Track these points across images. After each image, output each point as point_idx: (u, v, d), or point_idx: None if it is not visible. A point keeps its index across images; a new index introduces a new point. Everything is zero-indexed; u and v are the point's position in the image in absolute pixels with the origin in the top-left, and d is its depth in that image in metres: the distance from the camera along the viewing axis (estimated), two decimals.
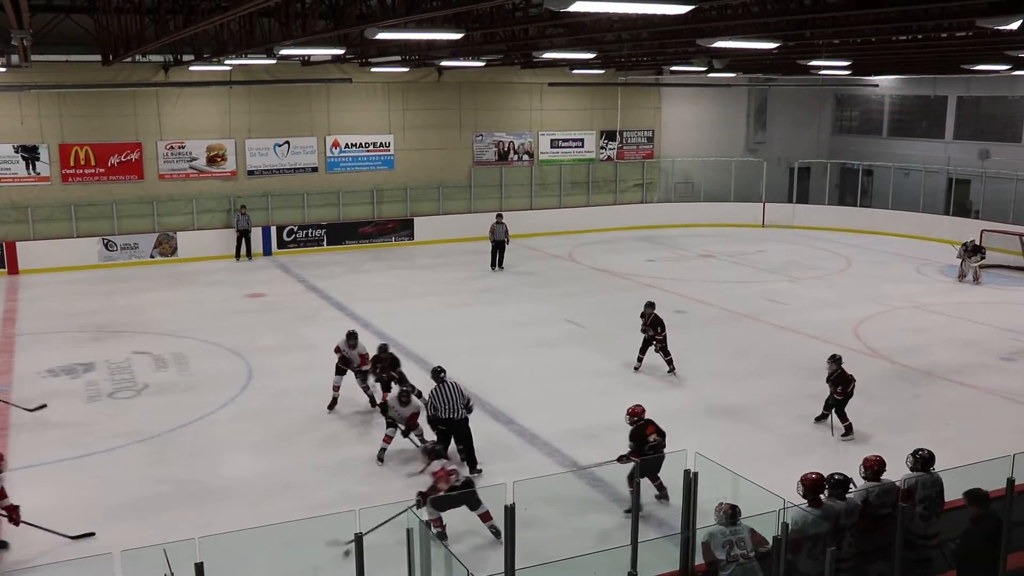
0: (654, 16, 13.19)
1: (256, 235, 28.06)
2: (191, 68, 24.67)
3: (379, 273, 25.78)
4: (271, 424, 14.03)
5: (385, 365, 14.24)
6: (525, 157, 32.84)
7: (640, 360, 16.36)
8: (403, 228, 30.16)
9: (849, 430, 13.31)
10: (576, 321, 19.78)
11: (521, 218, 30.82)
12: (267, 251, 28.31)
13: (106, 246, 26.76)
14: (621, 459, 10.72)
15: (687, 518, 8.37)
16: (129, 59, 22.15)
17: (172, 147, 27.81)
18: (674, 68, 28.21)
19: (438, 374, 12.53)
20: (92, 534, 10.38)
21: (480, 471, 12.07)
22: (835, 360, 13.64)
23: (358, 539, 7.06)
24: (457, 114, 31.41)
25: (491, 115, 32.15)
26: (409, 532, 7.83)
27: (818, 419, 13.89)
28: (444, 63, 26.00)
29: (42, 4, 20.82)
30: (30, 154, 26.49)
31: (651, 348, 16.23)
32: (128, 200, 27.30)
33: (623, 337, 17.26)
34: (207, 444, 13.33)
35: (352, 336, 14.74)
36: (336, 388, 14.62)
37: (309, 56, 24.47)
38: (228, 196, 28.33)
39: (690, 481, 8.35)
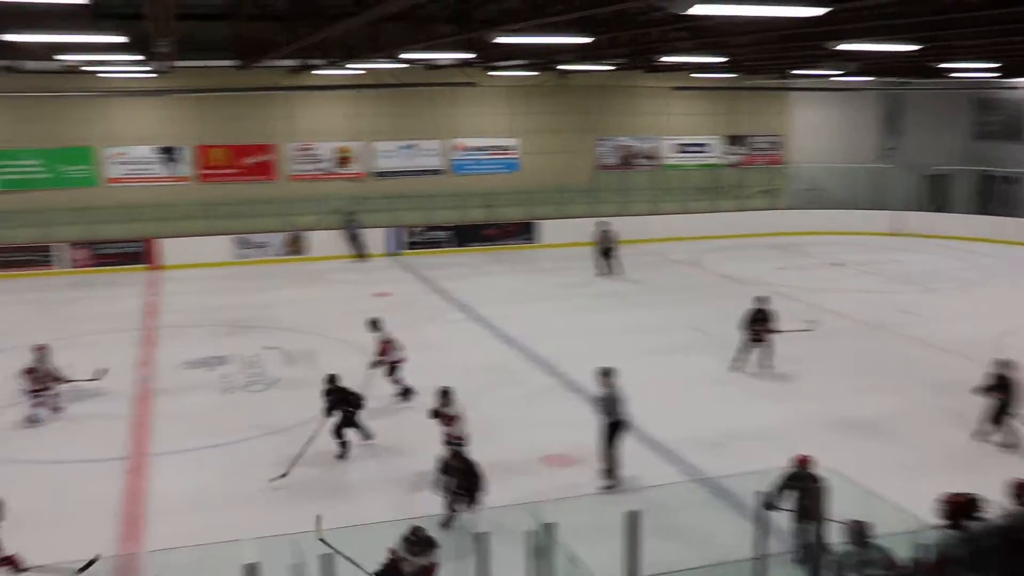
0: (783, 18, 12.91)
1: (382, 236, 28.62)
2: (321, 72, 25.33)
3: (501, 275, 25.97)
4: (394, 423, 14.25)
5: (337, 398, 12.91)
6: (649, 161, 32.59)
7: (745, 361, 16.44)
8: (525, 231, 30.31)
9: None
10: (700, 328, 19.51)
11: (644, 223, 30.64)
12: (393, 252, 28.83)
13: (239, 244, 27.73)
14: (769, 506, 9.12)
15: (816, 534, 8.15)
16: (263, 64, 22.90)
17: (303, 149, 28.63)
18: (802, 72, 27.56)
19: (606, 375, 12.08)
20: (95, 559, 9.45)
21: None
22: (1004, 365, 12.82)
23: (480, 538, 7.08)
24: (580, 118, 31.41)
25: (614, 119, 32.05)
26: (530, 535, 7.88)
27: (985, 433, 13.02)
28: (567, 67, 26.02)
29: (185, 13, 21.65)
30: (171, 155, 27.71)
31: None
32: (260, 200, 28.23)
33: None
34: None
35: (375, 322, 15.41)
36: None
37: (433, 60, 24.81)
38: (355, 197, 28.98)
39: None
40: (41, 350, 14.74)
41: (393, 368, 15.19)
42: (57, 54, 18.93)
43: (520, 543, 8.07)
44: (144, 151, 27.57)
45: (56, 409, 14.66)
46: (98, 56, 19.55)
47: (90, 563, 9.37)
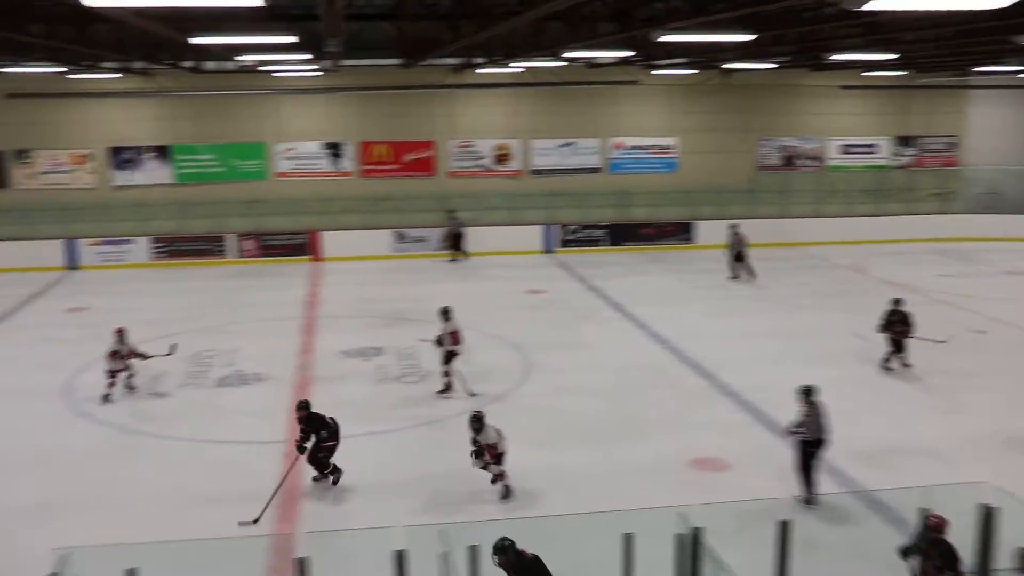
0: (965, 12, 12.26)
1: (538, 233, 28.78)
2: (482, 71, 25.67)
3: (658, 275, 25.67)
4: (547, 419, 14.30)
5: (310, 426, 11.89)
6: (813, 162, 31.61)
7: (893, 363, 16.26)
8: (683, 231, 29.88)
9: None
10: (861, 334, 18.77)
11: (806, 226, 29.75)
12: (548, 249, 28.96)
13: (398, 238, 28.42)
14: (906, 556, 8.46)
15: (984, 559, 7.70)
16: (426, 63, 23.39)
17: (462, 146, 29.11)
18: (983, 68, 26.14)
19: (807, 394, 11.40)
20: None
21: None
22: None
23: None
24: (741, 117, 30.72)
25: (777, 119, 31.22)
26: (679, 538, 7.75)
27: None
28: (730, 65, 25.51)
29: (354, 14, 22.35)
30: (335, 151, 28.69)
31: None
32: (420, 195, 28.86)
33: (912, 354, 16.24)
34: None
35: (446, 311, 15.64)
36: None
37: (594, 58, 24.76)
38: (513, 194, 29.25)
39: (987, 517, 7.68)
40: (120, 333, 15.62)
41: (449, 358, 15.41)
42: (236, 54, 19.86)
43: (668, 545, 7.96)
44: (311, 147, 28.63)
45: (131, 388, 15.64)
46: (272, 56, 20.42)
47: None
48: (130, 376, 15.65)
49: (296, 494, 11.57)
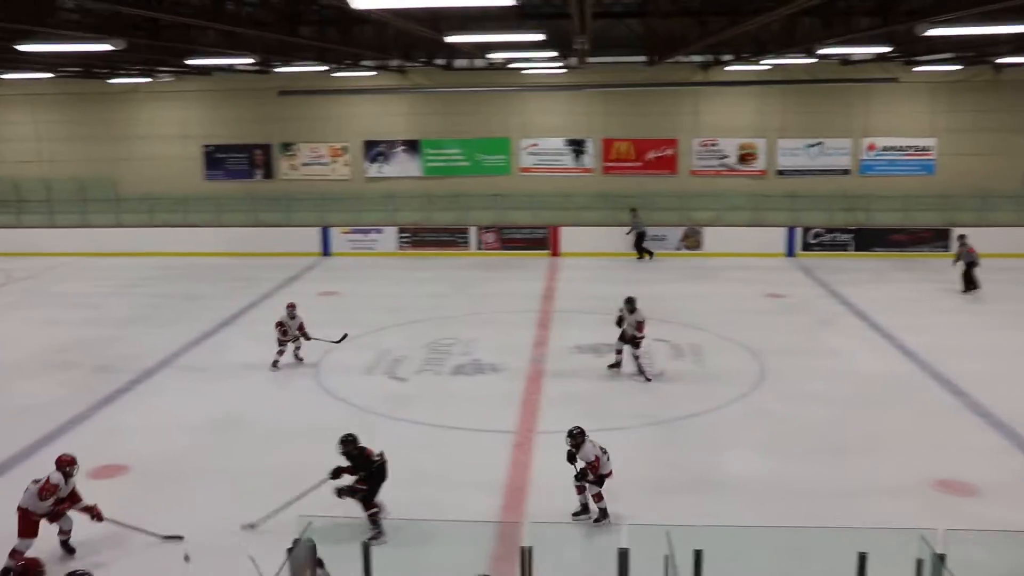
0: None
1: (780, 235, 27.88)
2: (729, 68, 25.17)
3: (908, 284, 24.17)
4: (780, 426, 13.83)
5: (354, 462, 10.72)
6: None
7: None
8: (938, 238, 27.98)
9: None
10: None
11: None
12: (790, 252, 28.00)
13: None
14: None
15: None
16: (672, 60, 23.17)
17: (705, 144, 28.63)
18: None
19: None
20: (181, 537, 10.22)
21: None
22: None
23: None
24: (1012, 116, 28.38)
25: None
26: (919, 563, 7.28)
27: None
28: (1002, 60, 23.65)
29: (602, 11, 22.47)
30: (578, 147, 28.95)
31: None
32: (660, 193, 28.62)
33: None
34: (715, 436, 13.50)
35: (631, 301, 16.22)
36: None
37: (850, 55, 23.68)
38: (756, 194, 28.49)
39: None
40: (291, 307, 17.16)
41: (635, 344, 16.13)
42: (486, 52, 20.46)
43: (904, 570, 7.49)
44: (554, 143, 29.03)
45: (300, 359, 17.10)
46: (520, 53, 20.87)
47: (175, 537, 10.18)
48: (298, 348, 17.12)
49: (525, 485, 11.75)
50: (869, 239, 28.05)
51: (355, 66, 23.91)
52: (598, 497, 10.71)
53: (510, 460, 12.52)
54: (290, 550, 7.47)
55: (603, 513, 10.68)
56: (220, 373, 16.71)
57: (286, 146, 30.08)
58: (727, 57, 23.78)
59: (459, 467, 12.37)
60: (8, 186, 31.19)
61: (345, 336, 17.53)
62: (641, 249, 27.74)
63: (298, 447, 12.99)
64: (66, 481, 10.06)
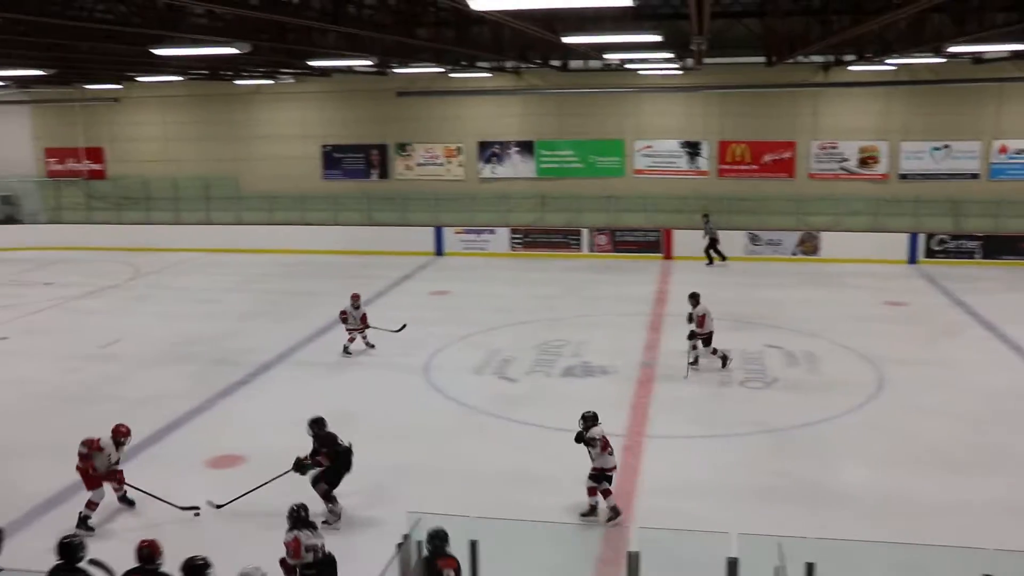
0: None
1: (902, 241, 26.97)
2: (851, 68, 24.50)
3: None
4: (897, 438, 13.37)
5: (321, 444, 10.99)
6: None
7: None
8: None
9: None
10: None
11: None
12: (912, 259, 27.07)
13: (751, 240, 27.82)
14: None
15: None
16: (791, 60, 22.66)
17: (824, 147, 27.91)
18: None
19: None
20: (196, 509, 11.02)
21: None
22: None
23: None
24: None
25: None
26: None
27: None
28: None
29: (720, 11, 22.15)
30: (693, 149, 28.59)
31: None
32: (776, 197, 28.05)
33: None
34: (829, 446, 13.14)
35: (695, 296, 16.62)
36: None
37: (982, 53, 22.77)
38: (877, 199, 27.65)
39: None
40: (355, 298, 17.99)
41: (708, 340, 16.53)
42: (602, 53, 20.38)
43: None
44: (669, 145, 28.72)
45: (370, 346, 18.17)
46: (636, 54, 20.73)
47: (191, 508, 10.86)
48: (365, 337, 18.14)
49: (633, 489, 11.66)
50: (998, 246, 26.89)
51: (471, 67, 24.14)
52: (606, 494, 10.77)
53: (619, 464, 12.41)
54: (399, 545, 7.57)
55: (614, 511, 10.71)
56: (333, 369, 17.08)
57: (402, 146, 30.55)
58: (849, 57, 23.15)
59: (567, 469, 12.31)
60: (138, 184, 32.54)
61: (404, 326, 18.25)
62: (712, 254, 27.25)
63: (407, 444, 13.17)
64: (116, 448, 10.98)
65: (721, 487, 11.73)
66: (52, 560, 7.53)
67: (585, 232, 28.85)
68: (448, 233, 29.63)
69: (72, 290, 24.69)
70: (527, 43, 22.12)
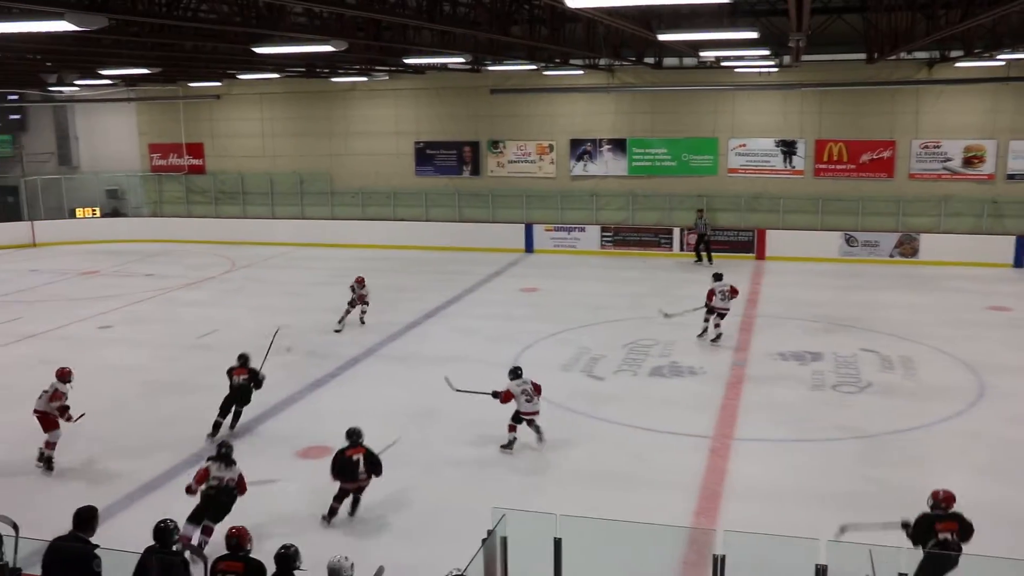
0: None
1: (1009, 244, 26.03)
2: (957, 64, 23.74)
3: None
4: (1000, 448, 12.91)
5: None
6: None
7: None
8: None
9: None
10: None
11: None
12: (1018, 263, 26.10)
13: (847, 241, 27.20)
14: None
15: None
16: (893, 57, 22.05)
17: (926, 146, 27.09)
18: None
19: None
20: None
21: None
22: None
23: None
24: None
25: None
26: None
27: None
28: None
29: (819, 6, 21.70)
30: (788, 148, 28.05)
31: None
32: (874, 198, 27.36)
33: None
34: (924, 455, 12.76)
35: (718, 276, 17.75)
36: None
37: None
38: (981, 200, 26.72)
39: None
40: (360, 281, 19.82)
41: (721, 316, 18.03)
42: (697, 50, 20.15)
43: None
44: (764, 143, 28.23)
45: (363, 323, 20.03)
46: (732, 51, 20.43)
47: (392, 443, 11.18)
48: (363, 313, 19.85)
49: (720, 491, 11.51)
50: None
51: (564, 65, 24.10)
52: (511, 428, 12.82)
53: (705, 465, 12.28)
54: (484, 540, 7.60)
55: (510, 443, 12.74)
56: (420, 364, 17.22)
57: (494, 143, 30.68)
58: (956, 53, 22.43)
59: (653, 469, 12.25)
60: (235, 179, 33.36)
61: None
62: (700, 252, 27.29)
63: (490, 440, 13.21)
64: (68, 388, 12.48)
65: (810, 492, 11.49)
66: (146, 543, 7.76)
67: (676, 231, 28.58)
68: (538, 230, 29.67)
69: (172, 281, 25.45)
70: (621, 40, 22.01)
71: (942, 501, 8.56)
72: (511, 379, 12.97)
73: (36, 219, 33.18)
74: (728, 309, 18.23)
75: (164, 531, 7.72)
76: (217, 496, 9.92)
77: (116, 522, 10.34)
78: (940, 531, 8.41)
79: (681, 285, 24.08)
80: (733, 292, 18.24)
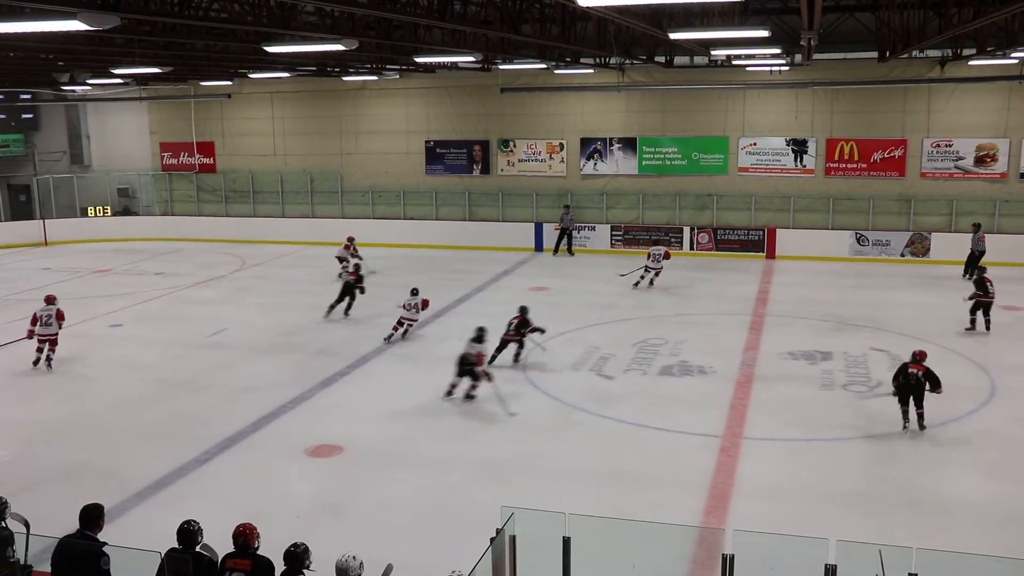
0: None
1: (1020, 243, 25.86)
2: (970, 63, 23.63)
3: None
4: (1011, 448, 12.87)
5: None
6: None
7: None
8: None
9: None
10: None
11: None
12: None
13: (858, 240, 27.13)
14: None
15: None
16: (905, 55, 21.96)
17: (938, 145, 26.99)
18: None
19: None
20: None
21: None
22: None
23: None
24: None
25: None
26: None
27: None
28: None
29: (831, 5, 21.64)
30: (799, 147, 27.97)
31: None
32: (885, 197, 27.28)
33: None
34: (935, 454, 12.72)
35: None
36: None
37: None
38: (993, 199, 26.61)
39: None
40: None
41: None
42: (708, 49, 20.11)
43: None
44: (775, 142, 28.15)
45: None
46: (743, 50, 20.37)
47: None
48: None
49: (729, 490, 11.49)
50: None
51: (575, 63, 24.09)
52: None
53: (714, 464, 12.26)
54: (492, 539, 7.60)
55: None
56: (430, 362, 17.21)
57: (504, 142, 30.68)
58: (968, 51, 22.32)
59: (662, 468, 12.24)
60: (246, 178, 33.44)
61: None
62: (560, 245, 28.99)
63: (501, 438, 13.23)
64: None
65: (819, 492, 11.47)
66: (155, 540, 7.77)
67: (687, 230, 28.54)
68: (548, 229, 29.65)
69: (182, 280, 25.53)
70: (632, 39, 21.99)
71: (917, 354, 13.25)
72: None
73: (48, 218, 33.34)
74: (660, 268, 23.23)
75: (187, 533, 7.71)
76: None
77: (126, 520, 10.38)
78: (911, 369, 13.04)
79: (691, 284, 24.09)
80: (666, 255, 23.47)
